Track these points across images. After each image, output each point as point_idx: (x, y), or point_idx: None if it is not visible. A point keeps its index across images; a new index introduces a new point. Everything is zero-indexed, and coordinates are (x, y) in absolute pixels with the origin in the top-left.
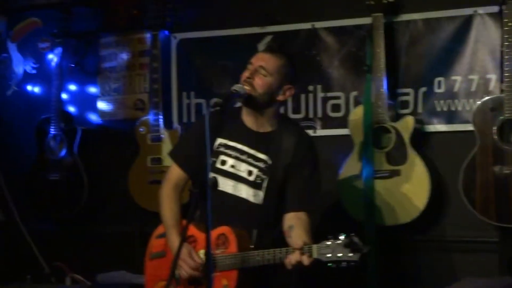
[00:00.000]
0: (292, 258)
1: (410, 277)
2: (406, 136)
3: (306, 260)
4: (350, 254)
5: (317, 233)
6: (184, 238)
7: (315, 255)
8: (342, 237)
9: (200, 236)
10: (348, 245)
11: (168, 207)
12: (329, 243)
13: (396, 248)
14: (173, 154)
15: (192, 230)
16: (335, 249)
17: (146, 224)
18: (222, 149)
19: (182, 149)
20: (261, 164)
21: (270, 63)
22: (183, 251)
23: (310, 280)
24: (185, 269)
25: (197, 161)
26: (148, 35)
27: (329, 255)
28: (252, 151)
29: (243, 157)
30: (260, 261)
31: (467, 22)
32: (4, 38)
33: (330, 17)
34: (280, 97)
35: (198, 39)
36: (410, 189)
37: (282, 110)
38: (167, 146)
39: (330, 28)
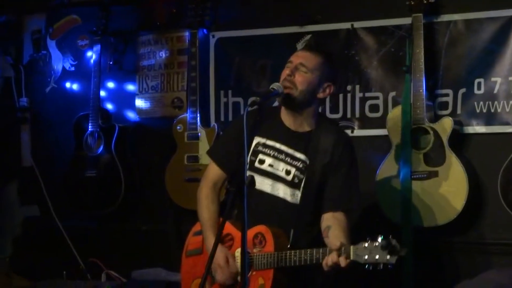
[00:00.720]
0: (329, 260)
1: (447, 279)
2: (445, 137)
3: (343, 262)
4: (388, 257)
5: (354, 234)
6: (219, 240)
7: (352, 257)
8: (379, 239)
9: (237, 234)
10: (385, 247)
11: (205, 207)
12: (366, 244)
13: (434, 250)
14: (211, 153)
15: (229, 228)
16: (372, 251)
17: (182, 222)
18: (260, 148)
19: (220, 147)
20: (299, 164)
21: (310, 61)
22: (220, 256)
23: (346, 282)
24: (220, 276)
25: (235, 160)
26: (186, 34)
27: (366, 257)
28: (290, 151)
29: (281, 156)
30: (297, 261)
31: (508, 23)
32: (44, 35)
33: (370, 17)
34: (320, 95)
35: (237, 38)
36: (448, 190)
37: (320, 109)
38: (204, 145)
39: (369, 28)
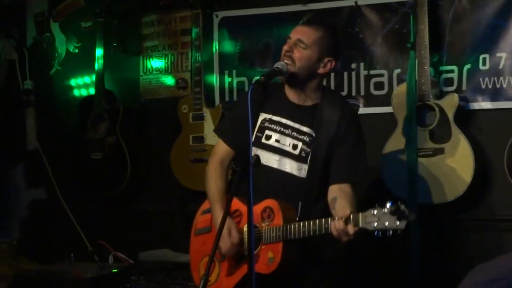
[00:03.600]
0: (337, 224)
1: (455, 255)
2: (450, 114)
3: (351, 229)
4: (397, 222)
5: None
6: (227, 213)
7: (361, 224)
8: (388, 205)
9: (245, 210)
10: (394, 212)
11: (213, 182)
12: (375, 212)
13: (443, 227)
14: (218, 130)
15: (237, 204)
16: (381, 217)
17: (188, 203)
18: (267, 124)
19: (227, 125)
20: (305, 138)
21: (308, 36)
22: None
23: (354, 256)
24: (223, 247)
25: (242, 137)
26: (190, 14)
27: (376, 224)
28: (296, 125)
29: (288, 131)
30: (306, 233)
31: None
32: (47, 17)
33: None
34: (321, 70)
35: (240, 17)
36: (454, 167)
37: (325, 83)
38: (209, 125)
39: (373, 5)
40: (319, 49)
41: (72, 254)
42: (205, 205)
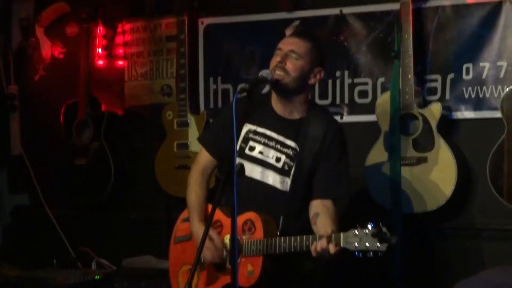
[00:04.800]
0: (318, 245)
1: (437, 264)
2: (433, 123)
3: (332, 249)
4: (378, 244)
5: (343, 221)
6: (210, 223)
7: (342, 244)
8: (370, 227)
9: (226, 221)
10: (376, 234)
11: (193, 191)
12: (356, 232)
13: (424, 235)
14: (202, 139)
15: (219, 215)
16: (362, 238)
17: (172, 210)
18: (251, 135)
19: (211, 134)
20: (289, 151)
21: (300, 47)
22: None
23: (335, 269)
24: (206, 254)
25: (226, 147)
26: (175, 20)
27: (356, 244)
28: (280, 138)
29: (272, 143)
30: (286, 248)
31: (496, 8)
32: (32, 22)
33: (358, 3)
34: (312, 80)
35: (225, 24)
36: (437, 176)
37: (310, 96)
38: (193, 132)
39: (358, 14)
40: (310, 59)
41: (55, 260)
42: (185, 213)
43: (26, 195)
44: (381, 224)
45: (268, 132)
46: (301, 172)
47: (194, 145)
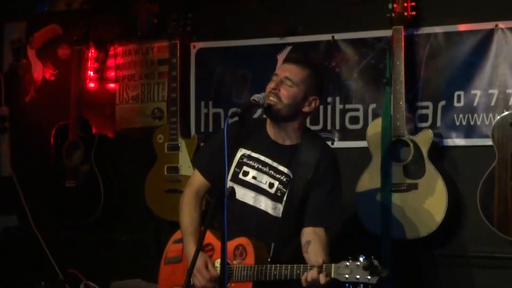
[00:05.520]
0: (309, 276)
1: None
2: (424, 150)
3: (323, 279)
4: (369, 277)
5: (333, 247)
6: (200, 246)
7: (333, 275)
8: (361, 259)
9: (217, 244)
10: (367, 267)
11: (187, 214)
12: (348, 263)
13: (415, 261)
14: (195, 161)
15: (210, 238)
16: (353, 270)
17: (162, 233)
18: (245, 160)
19: (204, 156)
20: (282, 177)
21: (296, 74)
22: (199, 261)
23: None
24: (199, 280)
25: (219, 169)
26: (167, 44)
27: (347, 276)
28: (274, 164)
29: (265, 169)
30: (277, 275)
31: (488, 36)
32: (24, 44)
33: (350, 29)
34: (306, 109)
35: (217, 49)
36: (428, 202)
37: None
38: (184, 155)
39: (350, 40)
40: (306, 88)
41: (43, 282)
42: (177, 235)
43: (15, 216)
44: (372, 257)
45: (262, 158)
46: (294, 199)
47: (185, 168)
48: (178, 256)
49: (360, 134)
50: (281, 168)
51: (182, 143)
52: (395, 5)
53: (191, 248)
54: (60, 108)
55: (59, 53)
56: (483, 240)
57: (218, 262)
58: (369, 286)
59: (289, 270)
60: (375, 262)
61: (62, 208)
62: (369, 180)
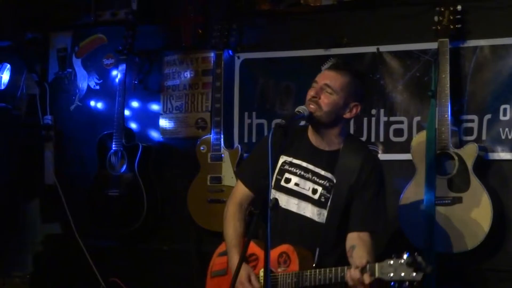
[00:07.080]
0: (353, 274)
1: None
2: (469, 163)
3: (367, 279)
4: (413, 274)
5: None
6: (243, 258)
7: (377, 274)
8: (405, 256)
9: (261, 254)
10: (411, 264)
11: (231, 226)
12: (391, 262)
13: (459, 276)
14: (238, 172)
15: (254, 248)
16: (397, 268)
17: (204, 243)
18: (287, 167)
19: (247, 167)
20: (325, 183)
21: (336, 81)
22: (242, 274)
23: None
24: None
25: (262, 180)
26: (212, 54)
27: (392, 274)
28: (317, 169)
29: (308, 175)
30: (322, 280)
31: None
32: (69, 53)
33: (395, 41)
34: (347, 115)
35: (262, 60)
36: (473, 216)
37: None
38: (227, 166)
39: (395, 52)
40: (346, 95)
41: None
42: (222, 247)
43: (58, 224)
44: (416, 253)
45: (304, 164)
46: (338, 204)
47: (227, 179)
48: (223, 269)
49: (405, 147)
50: (325, 173)
51: (225, 153)
52: (440, 18)
53: (235, 260)
54: (104, 117)
55: (104, 63)
56: None
57: (262, 272)
58: (415, 283)
59: (333, 273)
60: (419, 258)
61: (105, 217)
62: (413, 193)
